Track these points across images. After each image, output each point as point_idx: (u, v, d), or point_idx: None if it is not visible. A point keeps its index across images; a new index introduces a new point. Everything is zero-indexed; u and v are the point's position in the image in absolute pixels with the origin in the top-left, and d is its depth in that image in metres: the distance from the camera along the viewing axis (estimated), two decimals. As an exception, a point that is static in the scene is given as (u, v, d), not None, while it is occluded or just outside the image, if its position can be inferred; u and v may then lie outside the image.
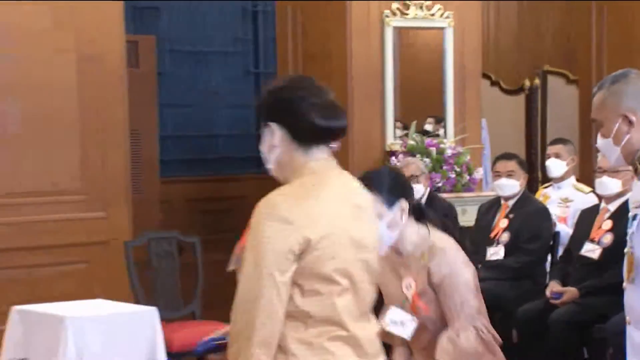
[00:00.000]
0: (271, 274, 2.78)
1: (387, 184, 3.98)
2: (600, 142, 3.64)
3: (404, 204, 3.94)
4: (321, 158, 2.98)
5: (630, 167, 3.68)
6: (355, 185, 3.07)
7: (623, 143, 3.53)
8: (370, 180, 3.81)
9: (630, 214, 3.66)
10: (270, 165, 3.07)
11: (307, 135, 2.96)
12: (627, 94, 3.53)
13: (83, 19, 7.74)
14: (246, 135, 12.02)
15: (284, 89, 3.05)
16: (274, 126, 2.97)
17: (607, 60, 9.12)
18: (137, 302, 6.98)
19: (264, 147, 3.06)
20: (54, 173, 7.70)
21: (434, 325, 4.00)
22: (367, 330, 2.96)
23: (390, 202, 3.93)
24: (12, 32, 7.52)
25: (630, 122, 3.50)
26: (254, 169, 11.70)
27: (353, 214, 2.95)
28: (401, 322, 3.96)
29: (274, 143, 3.00)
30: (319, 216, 2.85)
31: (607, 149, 3.62)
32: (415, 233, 4.02)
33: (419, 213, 4.06)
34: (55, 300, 6.72)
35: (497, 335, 4.04)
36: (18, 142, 7.59)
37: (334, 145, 3.05)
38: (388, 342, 4.04)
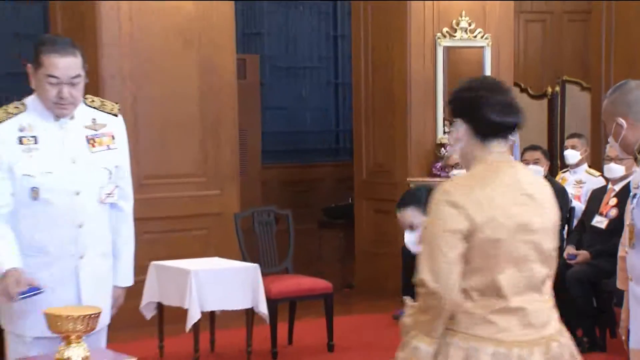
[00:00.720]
0: (443, 251, 2.68)
1: (423, 198, 3.56)
2: (610, 138, 3.64)
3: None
4: (497, 151, 2.85)
5: (631, 157, 3.70)
6: (529, 176, 2.92)
7: (620, 140, 3.52)
8: (410, 198, 3.70)
9: (631, 194, 3.66)
10: (455, 155, 3.03)
11: (485, 130, 2.83)
12: (621, 102, 3.52)
13: (204, 42, 7.82)
14: (327, 132, 12.26)
15: (468, 89, 2.91)
16: (459, 122, 2.87)
17: (613, 72, 8.84)
18: (243, 260, 6.95)
19: (451, 139, 2.99)
20: (182, 161, 7.81)
21: None
22: (535, 303, 2.79)
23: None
24: (155, 52, 7.63)
25: (620, 125, 3.47)
26: (331, 158, 11.95)
27: (521, 201, 2.79)
28: None
29: (459, 136, 2.88)
30: (486, 202, 2.73)
31: (613, 144, 3.61)
32: None
33: None
34: (183, 257, 6.82)
35: None
36: (156, 138, 7.69)
37: (513, 138, 2.94)
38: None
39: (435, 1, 8.62)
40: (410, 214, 3.62)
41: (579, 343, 6.61)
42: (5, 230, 3.38)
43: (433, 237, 2.72)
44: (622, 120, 3.48)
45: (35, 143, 3.46)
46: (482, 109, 2.81)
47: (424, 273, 2.69)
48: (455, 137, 2.90)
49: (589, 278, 6.60)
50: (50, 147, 3.48)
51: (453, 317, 2.73)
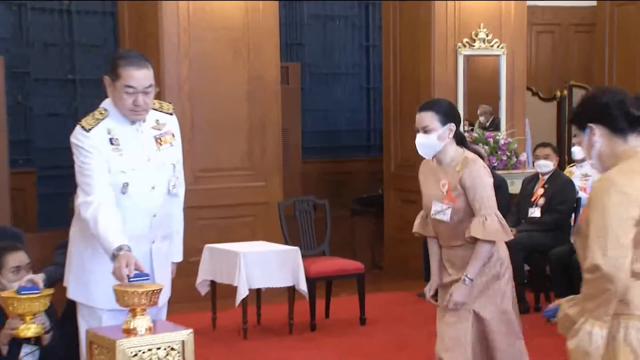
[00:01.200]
0: (617, 236, 2.54)
1: (444, 108, 3.93)
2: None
3: (452, 126, 3.86)
4: (638, 144, 2.72)
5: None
6: None
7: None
8: (433, 103, 3.98)
9: None
10: (592, 160, 2.80)
11: (624, 125, 2.71)
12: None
13: (252, 52, 7.82)
14: (359, 131, 12.25)
15: (596, 96, 2.81)
16: (592, 128, 2.73)
17: (615, 77, 8.86)
18: (286, 243, 6.96)
19: (583, 146, 2.82)
20: (232, 156, 7.83)
21: (461, 213, 3.83)
22: None
23: (443, 122, 3.85)
24: (209, 61, 7.65)
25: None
26: (363, 154, 11.95)
27: None
28: (442, 211, 3.85)
29: (594, 140, 2.73)
30: None
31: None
32: (454, 150, 3.90)
33: (460, 139, 3.93)
34: (233, 241, 6.87)
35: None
36: (209, 136, 7.71)
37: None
38: (423, 235, 4.15)
39: (456, 14, 8.57)
40: (428, 117, 3.89)
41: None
42: (115, 214, 3.37)
43: (607, 225, 2.57)
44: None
45: (119, 145, 3.48)
46: (619, 108, 2.71)
47: (597, 259, 2.55)
48: (588, 143, 2.76)
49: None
50: (131, 147, 3.50)
51: (624, 301, 2.61)
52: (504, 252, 3.98)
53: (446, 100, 4.19)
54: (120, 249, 3.24)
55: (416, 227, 4.23)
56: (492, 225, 3.77)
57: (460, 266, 3.91)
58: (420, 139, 3.94)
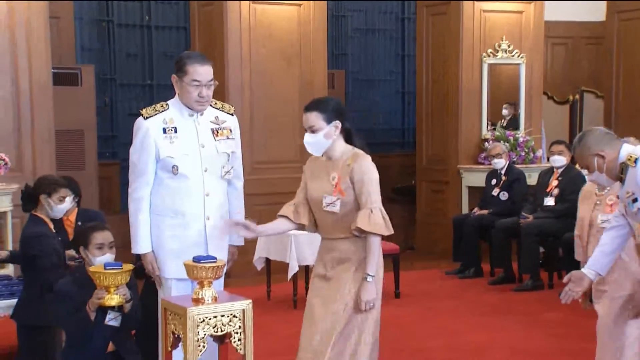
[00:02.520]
0: None
1: (329, 107, 3.46)
2: (589, 177, 3.47)
3: (337, 124, 3.44)
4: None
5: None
6: None
7: (604, 169, 3.32)
8: (318, 103, 3.49)
9: (628, 200, 3.33)
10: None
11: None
12: (593, 142, 3.34)
13: (303, 60, 7.83)
14: (395, 129, 12.19)
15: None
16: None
17: (622, 83, 8.90)
18: None
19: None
20: (284, 150, 7.82)
21: (348, 206, 3.41)
22: None
23: (328, 120, 3.40)
24: (266, 68, 7.66)
25: (602, 157, 3.30)
26: (398, 150, 11.90)
27: None
28: (332, 203, 3.41)
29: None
30: None
31: (597, 178, 3.39)
32: (343, 146, 3.49)
33: (348, 135, 3.52)
34: (284, 224, 7.07)
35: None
36: (265, 133, 7.73)
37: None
38: (312, 231, 3.69)
39: (482, 28, 8.50)
40: (314, 117, 3.41)
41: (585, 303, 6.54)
42: (147, 215, 3.57)
43: None
44: (602, 153, 3.31)
45: (175, 132, 3.53)
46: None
47: None
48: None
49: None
50: (187, 135, 3.55)
51: None
52: None
53: (332, 98, 3.70)
54: (148, 251, 3.57)
55: (285, 211, 3.67)
56: (376, 218, 3.38)
57: (339, 259, 3.47)
58: (307, 139, 3.46)
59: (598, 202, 4.09)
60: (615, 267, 3.57)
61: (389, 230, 3.43)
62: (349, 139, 3.53)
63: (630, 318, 3.72)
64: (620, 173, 3.29)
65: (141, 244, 3.54)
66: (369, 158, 3.49)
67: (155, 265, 3.51)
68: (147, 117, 3.54)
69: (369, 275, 3.41)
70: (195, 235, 3.54)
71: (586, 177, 3.57)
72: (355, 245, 3.46)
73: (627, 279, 3.74)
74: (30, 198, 4.36)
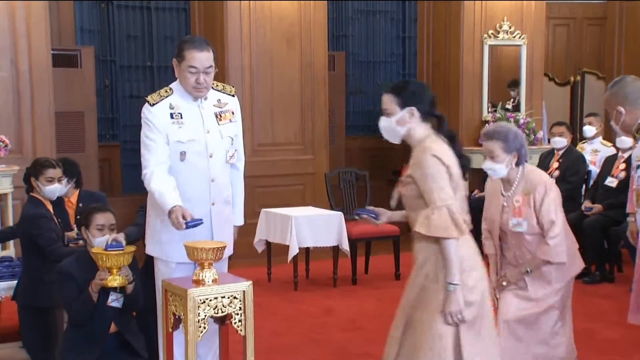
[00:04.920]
0: None
1: (406, 90, 3.04)
2: (612, 124, 3.58)
3: (412, 110, 3.00)
4: None
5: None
6: None
7: (620, 124, 3.46)
8: (396, 85, 3.13)
9: (634, 165, 3.60)
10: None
11: None
12: (619, 94, 3.44)
13: (304, 42, 7.80)
14: (396, 111, 12.21)
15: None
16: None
17: (623, 65, 8.81)
18: (331, 208, 6.98)
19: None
20: (285, 132, 7.85)
21: (409, 201, 3.07)
22: None
23: (403, 105, 3.00)
24: (266, 49, 7.62)
25: (619, 112, 3.41)
26: (400, 131, 11.89)
27: None
28: (394, 198, 3.19)
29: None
30: None
31: (614, 127, 3.53)
32: (423, 135, 3.04)
33: (440, 125, 3.08)
34: (285, 206, 6.91)
35: (468, 222, 2.99)
36: (267, 115, 7.71)
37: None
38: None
39: (482, 9, 8.44)
40: (387, 100, 3.06)
41: (593, 275, 6.58)
42: (169, 178, 3.42)
43: None
44: (621, 108, 3.42)
45: (181, 118, 3.49)
46: None
47: None
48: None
49: (602, 226, 6.46)
50: (193, 121, 3.51)
51: None
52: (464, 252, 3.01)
53: (414, 81, 3.35)
54: (173, 205, 3.28)
55: None
56: (438, 219, 2.91)
57: (415, 261, 3.14)
58: (380, 122, 3.13)
59: (505, 204, 3.69)
60: None
61: (459, 232, 2.93)
62: (441, 129, 3.07)
63: None
64: (636, 133, 3.43)
65: (172, 199, 3.31)
66: (432, 151, 2.96)
67: (180, 216, 3.22)
68: (153, 104, 3.48)
69: (449, 284, 2.94)
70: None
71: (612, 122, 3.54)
72: (427, 247, 3.03)
73: None
74: (25, 180, 4.39)
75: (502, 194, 3.74)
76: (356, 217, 3.29)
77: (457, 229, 2.93)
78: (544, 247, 3.60)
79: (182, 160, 3.48)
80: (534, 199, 3.59)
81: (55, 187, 4.36)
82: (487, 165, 3.61)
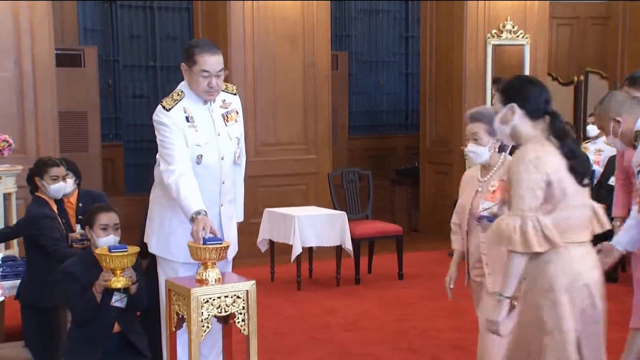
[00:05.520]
0: None
1: (507, 87, 2.86)
2: (607, 140, 3.57)
3: (515, 107, 2.77)
4: None
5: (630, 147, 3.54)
6: None
7: (619, 135, 3.43)
8: (500, 82, 3.13)
9: (635, 171, 3.49)
10: None
11: None
12: (612, 105, 3.44)
13: (307, 42, 7.80)
14: (399, 111, 12.15)
15: None
16: None
17: (627, 64, 8.81)
18: (334, 208, 6.95)
19: None
20: (288, 132, 7.84)
21: (505, 206, 2.89)
22: None
23: (504, 102, 2.81)
24: (269, 49, 7.63)
25: (618, 122, 3.40)
26: (402, 131, 11.89)
27: None
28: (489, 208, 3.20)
29: None
30: None
31: (612, 141, 3.50)
32: (529, 132, 2.79)
33: (552, 120, 2.80)
34: (288, 206, 6.92)
35: (556, 239, 2.68)
36: (270, 115, 7.71)
37: None
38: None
39: (486, 8, 8.44)
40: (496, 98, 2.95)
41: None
42: (193, 182, 3.38)
43: None
44: (619, 118, 3.40)
45: (194, 122, 3.48)
46: None
47: None
48: None
49: (606, 224, 6.42)
50: (205, 125, 3.50)
51: None
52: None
53: (523, 76, 3.26)
54: (198, 213, 3.24)
55: None
56: (506, 228, 2.71)
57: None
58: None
59: (480, 189, 3.45)
60: None
61: (525, 247, 2.68)
62: (552, 127, 2.81)
63: None
64: (634, 140, 3.37)
65: (192, 206, 3.26)
66: (529, 153, 2.73)
67: (202, 229, 3.17)
68: (169, 109, 3.44)
69: (499, 294, 2.79)
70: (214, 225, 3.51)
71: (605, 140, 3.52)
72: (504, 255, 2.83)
73: None
74: (29, 181, 4.39)
75: (478, 180, 3.48)
76: None
77: (524, 243, 2.67)
78: None
79: (198, 163, 3.47)
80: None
81: (60, 186, 4.35)
82: (470, 148, 3.41)
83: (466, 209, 3.49)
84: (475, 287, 3.57)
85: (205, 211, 3.26)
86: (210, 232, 3.19)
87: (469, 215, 3.47)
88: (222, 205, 3.57)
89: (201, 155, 3.46)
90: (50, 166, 4.34)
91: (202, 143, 3.47)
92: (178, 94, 3.50)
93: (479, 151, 3.42)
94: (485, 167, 3.49)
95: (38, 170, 4.35)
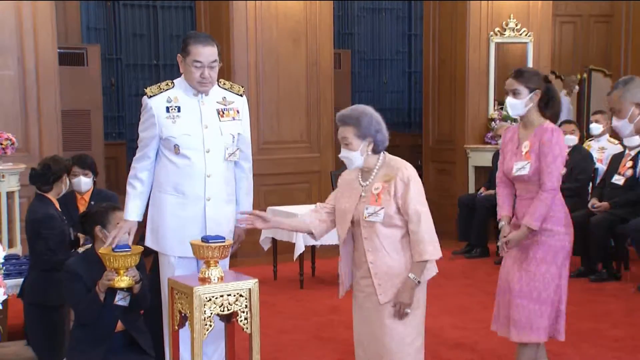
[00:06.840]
0: None
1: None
2: (615, 122, 3.52)
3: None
4: None
5: None
6: None
7: (635, 121, 3.42)
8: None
9: None
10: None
11: None
12: (635, 92, 3.42)
13: (310, 40, 7.79)
14: (402, 109, 12.19)
15: None
16: None
17: (631, 63, 8.83)
18: None
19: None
20: (291, 131, 7.83)
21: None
22: None
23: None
24: (272, 47, 7.62)
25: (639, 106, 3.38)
26: (405, 130, 11.91)
27: None
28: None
29: None
30: None
31: (622, 126, 3.46)
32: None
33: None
34: (291, 204, 6.94)
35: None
36: (272, 113, 7.70)
37: None
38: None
39: (488, 6, 8.44)
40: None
41: (599, 274, 6.56)
42: (142, 186, 3.58)
43: None
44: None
45: (179, 112, 3.52)
46: None
47: None
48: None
49: (608, 223, 6.43)
50: (190, 115, 3.53)
51: None
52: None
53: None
54: (127, 218, 3.52)
55: None
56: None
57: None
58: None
59: (363, 194, 3.20)
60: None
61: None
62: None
63: None
64: None
65: (128, 211, 3.58)
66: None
67: (125, 235, 3.50)
68: (150, 96, 3.54)
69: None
70: (193, 215, 3.53)
71: (614, 122, 3.54)
72: None
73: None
74: (43, 183, 4.39)
75: (360, 184, 3.24)
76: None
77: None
78: (418, 246, 3.15)
79: (176, 153, 3.52)
80: (395, 185, 3.13)
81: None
82: (343, 154, 3.18)
83: (347, 216, 3.21)
84: (362, 298, 3.25)
85: (137, 221, 3.51)
86: (126, 240, 3.44)
87: (353, 222, 3.20)
88: (208, 200, 3.54)
89: (178, 146, 3.50)
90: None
91: (178, 135, 3.50)
92: (167, 84, 3.59)
93: (350, 156, 3.18)
94: (366, 171, 3.24)
95: (63, 170, 4.51)
